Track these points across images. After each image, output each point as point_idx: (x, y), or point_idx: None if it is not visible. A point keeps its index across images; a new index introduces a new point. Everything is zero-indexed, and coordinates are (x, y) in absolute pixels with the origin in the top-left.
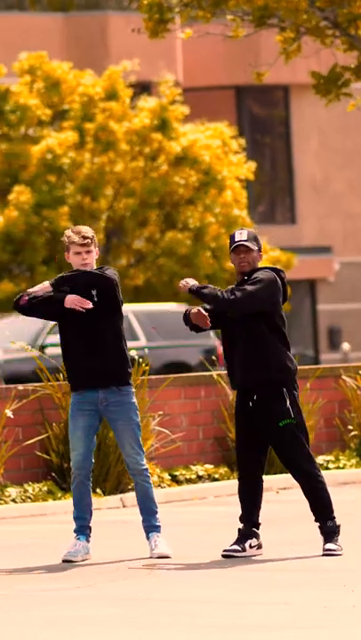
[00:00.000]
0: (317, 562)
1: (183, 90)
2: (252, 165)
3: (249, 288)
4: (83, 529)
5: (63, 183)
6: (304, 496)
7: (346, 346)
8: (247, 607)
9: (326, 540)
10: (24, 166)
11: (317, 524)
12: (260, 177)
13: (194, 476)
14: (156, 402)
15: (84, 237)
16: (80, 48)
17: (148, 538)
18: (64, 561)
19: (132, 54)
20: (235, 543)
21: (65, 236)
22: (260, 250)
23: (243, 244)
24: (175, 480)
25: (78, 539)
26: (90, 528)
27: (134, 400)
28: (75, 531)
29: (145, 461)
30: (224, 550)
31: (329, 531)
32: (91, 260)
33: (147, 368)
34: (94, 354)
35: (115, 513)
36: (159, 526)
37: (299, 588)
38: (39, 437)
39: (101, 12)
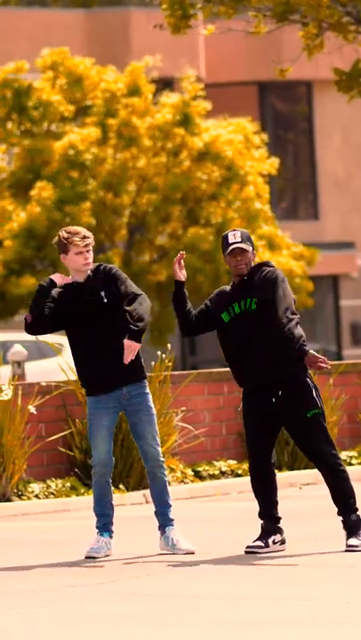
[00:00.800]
0: (340, 558)
1: (205, 85)
2: (275, 161)
3: (283, 302)
4: (105, 525)
5: (85, 179)
6: (328, 487)
7: None
8: (268, 603)
9: (349, 535)
10: (46, 162)
11: (340, 517)
12: (283, 172)
13: (217, 472)
14: (179, 397)
15: (85, 237)
16: (102, 44)
17: (163, 531)
18: (87, 557)
19: (155, 50)
20: (258, 539)
21: (60, 237)
22: (253, 249)
23: (238, 247)
24: (198, 476)
25: (101, 535)
26: (112, 524)
27: (149, 391)
28: (97, 527)
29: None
30: (247, 547)
31: (352, 525)
32: (91, 260)
33: (170, 364)
34: (110, 354)
35: (138, 509)
36: (173, 520)
37: (321, 583)
38: (62, 433)
39: (123, 8)
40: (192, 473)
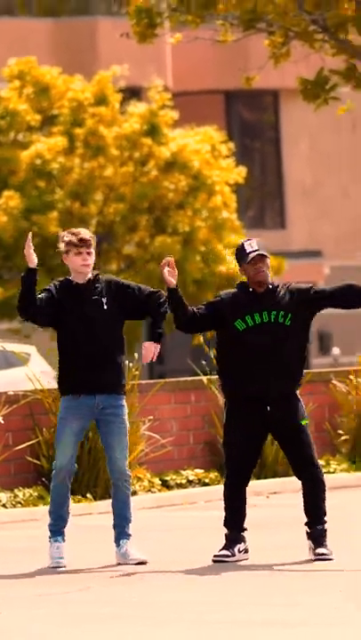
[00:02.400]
0: (309, 566)
1: (173, 95)
2: (242, 170)
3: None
4: (60, 530)
5: (53, 188)
6: (304, 496)
7: (336, 350)
8: (247, 607)
9: (317, 545)
10: (13, 171)
11: (307, 527)
12: (250, 181)
13: (184, 481)
14: (146, 407)
15: (83, 239)
16: (69, 53)
17: (118, 544)
18: (52, 567)
19: (122, 59)
20: (224, 548)
21: (61, 238)
22: (269, 258)
23: (259, 253)
24: (165, 485)
25: (56, 540)
26: (65, 527)
27: (125, 404)
28: (52, 530)
29: None
30: (215, 556)
31: (318, 535)
32: (92, 263)
33: (137, 373)
34: (96, 360)
35: (105, 518)
36: (130, 535)
37: (295, 590)
38: (29, 442)
39: (91, 17)
40: (159, 482)
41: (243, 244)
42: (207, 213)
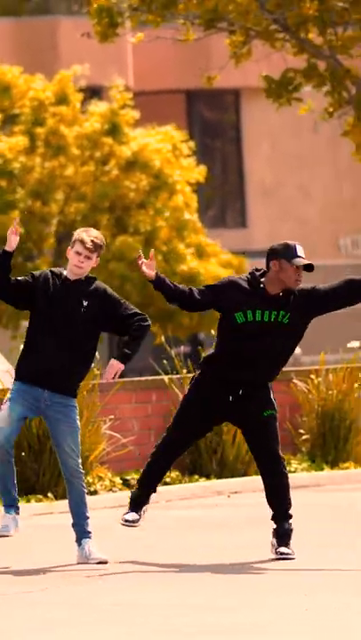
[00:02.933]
0: (271, 566)
1: (134, 94)
2: (203, 169)
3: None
4: (12, 502)
5: (14, 188)
6: (266, 491)
7: (297, 350)
8: (206, 610)
9: (280, 544)
10: None
11: (273, 524)
12: (211, 181)
13: None
14: (107, 406)
15: (86, 242)
16: (30, 52)
17: (80, 543)
18: None
19: (83, 59)
20: (132, 510)
21: (76, 232)
22: None
23: (310, 265)
24: (126, 484)
25: (7, 512)
26: (17, 500)
27: (76, 404)
28: (4, 505)
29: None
30: (124, 520)
31: (284, 533)
32: (86, 268)
33: (98, 372)
34: (56, 357)
35: (66, 517)
36: (90, 532)
37: (250, 592)
38: None
39: (52, 16)
40: (120, 481)
41: (294, 245)
42: (168, 213)
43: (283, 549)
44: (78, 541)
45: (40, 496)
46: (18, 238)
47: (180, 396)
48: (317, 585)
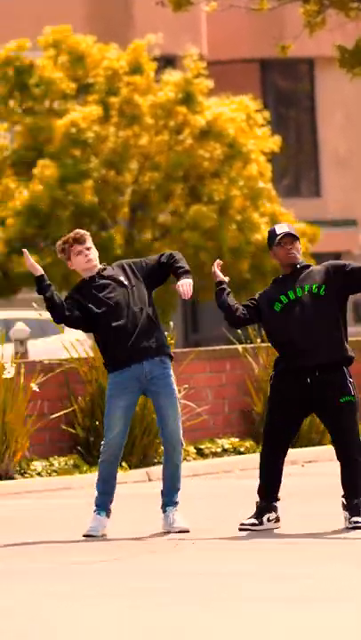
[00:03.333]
0: (345, 535)
1: (208, 63)
2: (278, 139)
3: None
4: (105, 504)
5: (88, 157)
6: (341, 473)
7: None
8: (276, 580)
9: (352, 514)
10: (48, 140)
11: (343, 499)
12: (286, 150)
13: (219, 450)
14: (181, 375)
15: (75, 238)
16: (104, 22)
17: (165, 511)
18: (85, 535)
19: (157, 28)
20: (252, 517)
21: (58, 247)
22: (299, 241)
23: (288, 234)
24: (201, 453)
25: (99, 513)
26: (111, 503)
27: (172, 372)
28: (97, 504)
29: None
30: (241, 524)
31: (354, 506)
32: (95, 257)
33: (172, 342)
34: (134, 332)
35: (140, 487)
36: (178, 502)
37: (323, 561)
38: (65, 411)
39: None
40: (195, 451)
41: (273, 228)
42: (243, 182)
43: (356, 518)
44: (163, 508)
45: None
46: (36, 264)
47: (255, 366)
48: None
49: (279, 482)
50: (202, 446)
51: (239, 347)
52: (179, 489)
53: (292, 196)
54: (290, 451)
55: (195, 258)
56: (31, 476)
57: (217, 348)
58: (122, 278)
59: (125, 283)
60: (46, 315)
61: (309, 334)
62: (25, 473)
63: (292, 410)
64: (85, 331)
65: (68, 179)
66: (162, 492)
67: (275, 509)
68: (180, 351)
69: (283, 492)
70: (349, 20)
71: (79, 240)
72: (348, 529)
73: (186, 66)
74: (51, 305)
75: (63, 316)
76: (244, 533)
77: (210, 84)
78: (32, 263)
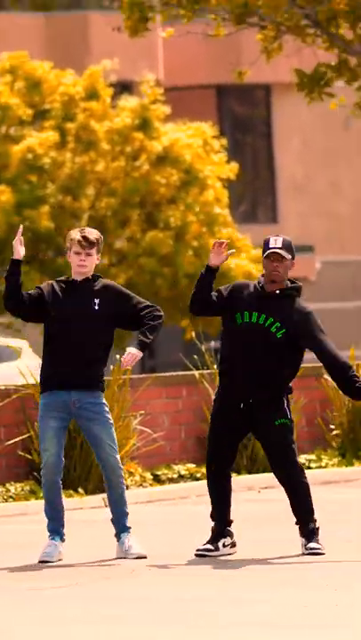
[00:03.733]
0: (299, 560)
1: (164, 89)
2: (235, 166)
3: (327, 341)
4: (56, 529)
5: (44, 183)
6: (288, 498)
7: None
8: (230, 605)
9: (308, 540)
10: (5, 166)
11: (298, 525)
12: (242, 176)
13: (176, 476)
14: (137, 401)
15: (85, 238)
16: (61, 47)
17: (119, 537)
18: (40, 562)
19: (113, 53)
20: (208, 542)
21: (69, 234)
22: (293, 258)
23: (277, 252)
24: (157, 479)
25: (53, 539)
26: (63, 527)
27: (104, 401)
28: (49, 531)
29: None
30: (197, 550)
31: (309, 532)
32: (89, 264)
33: (128, 368)
34: (76, 357)
35: (96, 512)
36: (130, 527)
37: (277, 587)
38: (21, 437)
39: (82, 11)
40: (151, 477)
41: (269, 239)
42: (199, 208)
43: (311, 545)
44: (118, 536)
45: (70, 491)
46: (23, 247)
47: (211, 392)
48: (348, 580)
49: (229, 505)
50: (158, 472)
51: (196, 373)
52: (127, 513)
53: (248, 222)
54: (247, 477)
55: (151, 284)
56: None
57: (173, 374)
58: (96, 301)
59: (96, 308)
60: (2, 340)
61: (252, 366)
62: None
63: (231, 428)
64: (26, 319)
65: (24, 204)
66: (112, 520)
67: (230, 534)
68: (136, 377)
69: (240, 519)
70: (306, 46)
71: (84, 246)
72: (304, 554)
73: (142, 92)
74: (12, 289)
75: (19, 301)
76: (199, 559)
77: (166, 109)
78: (21, 240)
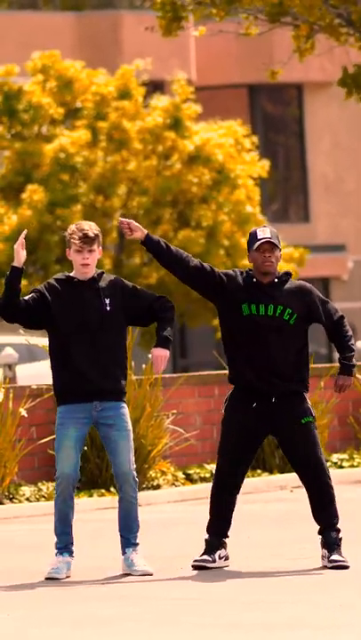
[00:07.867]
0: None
1: (196, 88)
2: (266, 164)
3: (337, 311)
4: (66, 546)
5: (76, 182)
6: (312, 502)
7: (360, 344)
8: (256, 606)
9: (331, 552)
10: (37, 165)
11: (320, 535)
12: (274, 175)
13: (208, 475)
14: (170, 400)
15: (86, 235)
16: (92, 47)
17: (124, 552)
18: (47, 578)
19: (145, 53)
20: (204, 553)
21: (68, 231)
22: (280, 249)
23: (269, 241)
24: (189, 478)
25: (61, 554)
26: (72, 543)
27: (125, 406)
28: (57, 548)
29: None
30: (194, 561)
31: (332, 542)
32: (92, 261)
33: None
34: (96, 365)
35: None
36: (138, 543)
37: (310, 587)
38: (53, 436)
39: (114, 10)
40: (183, 476)
41: (255, 231)
42: (231, 207)
43: (335, 557)
44: (123, 550)
45: (103, 490)
46: (25, 253)
47: None
48: None
49: (230, 522)
50: (190, 471)
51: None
52: (136, 529)
53: (280, 220)
54: (279, 476)
55: (182, 284)
56: (20, 501)
57: (205, 373)
58: (107, 301)
59: (108, 309)
60: (34, 340)
61: (268, 359)
62: (13, 498)
63: (246, 431)
64: (29, 326)
65: (56, 203)
66: (119, 532)
67: (224, 546)
68: (168, 376)
69: (272, 518)
70: (338, 45)
71: (86, 241)
72: (327, 568)
73: (174, 91)
74: (10, 296)
75: (13, 307)
76: (235, 561)
77: (198, 109)
78: (23, 244)
